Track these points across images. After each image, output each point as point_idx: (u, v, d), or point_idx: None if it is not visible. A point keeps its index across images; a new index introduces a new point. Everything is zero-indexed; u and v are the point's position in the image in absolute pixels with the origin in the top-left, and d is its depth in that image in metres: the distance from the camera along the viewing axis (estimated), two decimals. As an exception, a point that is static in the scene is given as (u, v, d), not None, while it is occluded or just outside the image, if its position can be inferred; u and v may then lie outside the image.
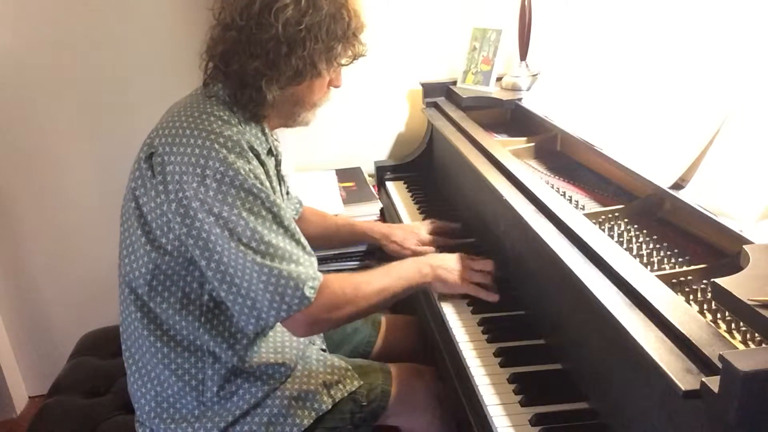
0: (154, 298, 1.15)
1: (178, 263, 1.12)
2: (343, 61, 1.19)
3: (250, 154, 1.09)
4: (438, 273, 1.28)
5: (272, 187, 1.12)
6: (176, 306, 1.14)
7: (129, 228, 1.16)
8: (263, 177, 1.10)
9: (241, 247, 1.05)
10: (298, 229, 1.13)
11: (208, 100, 1.14)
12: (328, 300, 1.11)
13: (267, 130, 1.23)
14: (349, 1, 1.13)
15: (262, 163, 1.12)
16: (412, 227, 1.61)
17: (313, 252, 1.14)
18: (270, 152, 1.24)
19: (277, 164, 1.30)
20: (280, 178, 1.32)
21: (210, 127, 1.08)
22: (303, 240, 1.13)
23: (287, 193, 1.49)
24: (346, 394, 1.25)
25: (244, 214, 1.05)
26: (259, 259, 1.05)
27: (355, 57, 1.20)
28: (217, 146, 1.06)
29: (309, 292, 1.07)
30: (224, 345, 1.17)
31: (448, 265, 1.30)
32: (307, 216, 1.60)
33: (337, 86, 1.24)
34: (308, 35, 1.09)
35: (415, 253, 1.49)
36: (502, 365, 1.11)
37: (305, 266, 1.09)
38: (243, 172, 1.06)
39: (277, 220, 1.08)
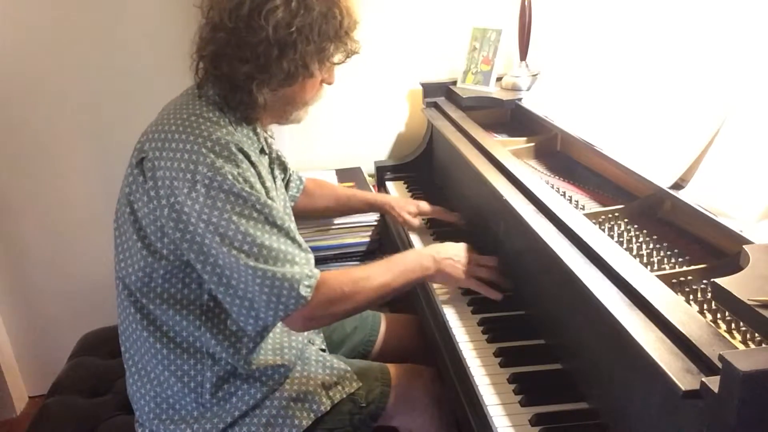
0: (153, 301, 1.14)
1: (174, 266, 1.12)
2: (335, 60, 1.17)
3: (240, 157, 1.07)
4: (441, 266, 1.26)
5: (265, 187, 1.12)
6: (176, 307, 1.14)
7: (125, 233, 1.15)
8: (253, 180, 1.08)
9: (234, 251, 1.04)
10: (293, 227, 1.12)
11: (198, 101, 1.13)
12: (325, 297, 1.11)
13: (259, 129, 1.22)
14: None
15: (253, 164, 1.10)
16: (413, 201, 1.67)
17: (309, 249, 1.13)
18: (262, 150, 1.23)
19: (271, 162, 1.29)
20: (275, 175, 1.31)
21: (198, 130, 1.07)
22: (298, 237, 1.12)
23: (288, 178, 1.51)
24: (344, 396, 1.25)
25: (235, 218, 1.04)
26: (252, 262, 1.04)
27: (348, 55, 1.18)
28: (204, 150, 1.05)
29: (305, 292, 1.07)
30: (225, 343, 1.16)
31: (453, 257, 1.28)
32: (314, 189, 1.63)
33: (330, 83, 1.22)
34: (299, 37, 1.07)
35: (406, 222, 1.61)
36: (502, 365, 1.11)
37: (300, 265, 1.08)
38: (231, 177, 1.04)
39: (270, 220, 1.07)
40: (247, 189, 1.05)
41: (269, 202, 1.08)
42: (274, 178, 1.29)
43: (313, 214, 1.71)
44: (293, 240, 1.10)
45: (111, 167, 2.12)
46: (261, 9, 1.05)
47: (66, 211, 2.17)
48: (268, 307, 1.06)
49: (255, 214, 1.06)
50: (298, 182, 1.58)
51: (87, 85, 2.05)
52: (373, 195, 1.73)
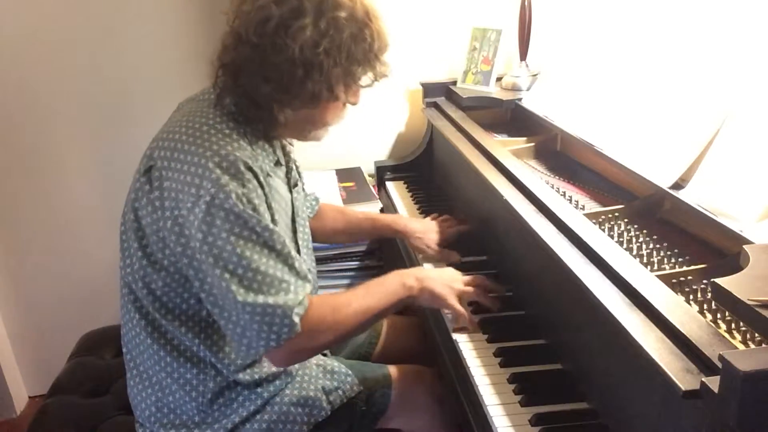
0: (158, 310, 1.12)
1: (174, 279, 1.09)
2: (362, 83, 1.13)
3: (247, 176, 1.02)
4: (425, 285, 1.20)
5: (271, 210, 1.07)
6: (180, 318, 1.12)
7: (128, 239, 1.13)
8: (258, 201, 1.03)
9: (226, 275, 1.00)
10: (292, 252, 1.06)
11: (213, 110, 1.09)
12: (308, 328, 1.05)
13: (275, 141, 1.19)
14: (373, 21, 1.06)
15: (261, 185, 1.05)
16: (432, 226, 1.54)
17: (308, 276, 1.08)
18: (278, 162, 1.19)
19: (288, 171, 1.25)
20: (291, 187, 1.26)
21: (208, 143, 1.03)
22: (297, 264, 1.06)
23: (303, 191, 1.45)
24: (345, 400, 1.24)
25: (232, 239, 1.00)
26: (242, 291, 1.00)
27: (377, 78, 1.13)
28: (212, 165, 1.00)
29: (297, 319, 1.02)
30: (225, 360, 1.15)
31: (436, 276, 1.24)
32: (326, 212, 1.57)
33: (354, 104, 1.18)
34: (326, 59, 1.02)
35: (443, 259, 1.47)
36: (502, 365, 1.11)
37: (295, 293, 1.03)
38: (234, 197, 1.00)
39: (269, 244, 1.02)
40: (248, 211, 1.01)
41: (270, 225, 1.03)
42: (290, 188, 1.25)
43: (320, 239, 1.59)
44: (291, 266, 1.04)
45: (112, 167, 2.12)
46: (288, 26, 1.00)
47: (66, 211, 2.17)
48: (259, 336, 1.02)
49: (254, 237, 1.01)
50: (313, 203, 1.52)
51: (89, 85, 2.05)
52: (384, 218, 1.60)
